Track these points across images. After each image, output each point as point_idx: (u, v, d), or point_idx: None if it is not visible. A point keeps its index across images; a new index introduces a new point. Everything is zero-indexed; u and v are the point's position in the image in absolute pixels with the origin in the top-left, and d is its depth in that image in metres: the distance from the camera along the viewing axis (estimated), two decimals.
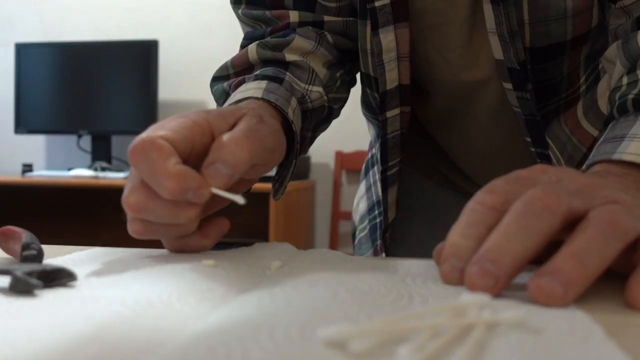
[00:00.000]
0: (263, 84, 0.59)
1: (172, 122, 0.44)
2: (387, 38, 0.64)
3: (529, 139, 0.67)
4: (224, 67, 0.67)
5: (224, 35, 2.79)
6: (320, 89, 0.65)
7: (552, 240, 0.34)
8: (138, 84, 2.80)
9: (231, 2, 0.71)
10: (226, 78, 0.67)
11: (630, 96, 0.50)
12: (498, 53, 0.61)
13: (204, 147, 0.45)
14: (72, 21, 3.07)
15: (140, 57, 2.79)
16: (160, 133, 0.42)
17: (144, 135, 0.42)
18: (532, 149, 0.68)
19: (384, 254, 0.80)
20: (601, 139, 0.49)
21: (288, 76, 0.63)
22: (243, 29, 0.72)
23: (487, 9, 0.59)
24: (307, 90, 0.64)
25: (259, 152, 0.46)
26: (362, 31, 0.66)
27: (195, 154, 0.44)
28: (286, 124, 0.58)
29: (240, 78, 0.63)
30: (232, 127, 0.46)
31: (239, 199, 0.42)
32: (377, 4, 0.62)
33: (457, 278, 0.36)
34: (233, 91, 0.62)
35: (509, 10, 0.58)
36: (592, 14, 0.62)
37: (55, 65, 2.88)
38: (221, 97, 0.65)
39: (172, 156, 0.41)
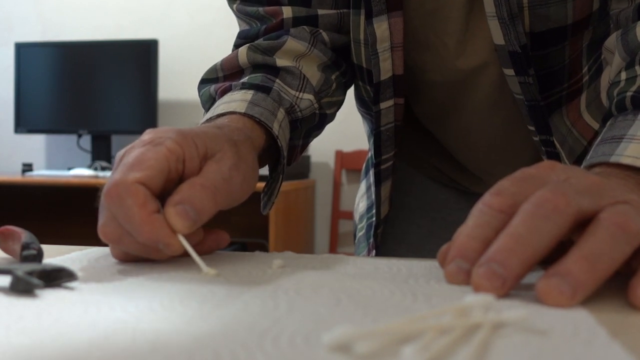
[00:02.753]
0: (249, 94, 0.59)
1: (147, 153, 0.43)
2: (381, 27, 0.63)
3: (532, 127, 0.66)
4: (213, 70, 0.66)
5: (224, 35, 2.79)
6: (311, 97, 0.64)
7: (561, 240, 0.34)
8: (138, 83, 2.80)
9: None
10: (215, 81, 0.66)
11: (629, 93, 0.49)
12: (498, 38, 0.60)
13: (177, 173, 0.44)
14: (72, 21, 3.07)
15: (140, 56, 2.79)
16: (136, 176, 0.41)
17: (118, 177, 0.41)
18: (536, 138, 0.67)
19: (374, 252, 0.80)
20: (599, 138, 0.49)
21: (277, 84, 0.62)
22: (239, 25, 0.71)
23: None
24: (297, 98, 0.63)
25: (225, 202, 0.45)
26: (356, 21, 0.66)
27: (170, 179, 0.44)
28: (272, 138, 0.57)
29: (227, 84, 0.62)
30: (202, 157, 0.45)
31: (211, 271, 0.40)
32: None
33: (462, 279, 0.35)
34: (219, 97, 0.61)
35: None
36: None
37: (55, 65, 2.87)
38: (207, 102, 0.64)
39: (148, 202, 0.41)
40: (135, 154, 0.43)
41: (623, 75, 0.52)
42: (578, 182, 0.36)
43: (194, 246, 0.42)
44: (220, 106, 0.58)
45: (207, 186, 0.43)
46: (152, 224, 0.40)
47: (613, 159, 0.43)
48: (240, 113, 0.56)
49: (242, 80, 0.62)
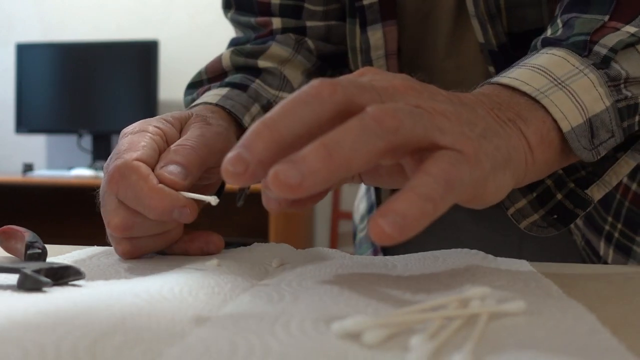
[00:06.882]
0: (224, 90, 0.60)
1: (134, 138, 0.46)
2: (375, 35, 0.65)
3: None
4: (198, 74, 0.68)
5: (224, 35, 2.77)
6: None
7: (383, 160, 0.32)
8: (138, 83, 2.80)
9: (222, 6, 0.72)
10: (199, 84, 0.68)
11: (541, 37, 0.50)
12: (480, 36, 0.62)
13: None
14: (73, 21, 3.07)
15: (140, 57, 2.79)
16: (134, 155, 0.44)
17: (117, 161, 0.43)
18: None
19: (381, 254, 0.80)
20: None
21: (256, 83, 0.63)
22: (235, 33, 0.73)
23: None
24: (277, 97, 0.64)
25: (208, 155, 0.47)
26: (352, 29, 0.67)
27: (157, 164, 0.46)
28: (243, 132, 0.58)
29: (208, 86, 0.63)
30: (180, 133, 0.49)
31: (212, 200, 0.43)
32: (365, 2, 0.63)
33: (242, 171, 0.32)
34: (198, 98, 0.63)
35: None
36: None
37: (56, 65, 2.87)
38: (188, 105, 0.65)
39: (151, 176, 0.43)
40: (124, 141, 0.46)
41: (549, 32, 0.52)
42: (380, 83, 0.34)
43: (180, 244, 0.46)
44: (195, 102, 0.60)
45: (182, 143, 0.46)
46: (161, 193, 0.42)
47: (494, 80, 0.43)
48: (212, 104, 0.58)
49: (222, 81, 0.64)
